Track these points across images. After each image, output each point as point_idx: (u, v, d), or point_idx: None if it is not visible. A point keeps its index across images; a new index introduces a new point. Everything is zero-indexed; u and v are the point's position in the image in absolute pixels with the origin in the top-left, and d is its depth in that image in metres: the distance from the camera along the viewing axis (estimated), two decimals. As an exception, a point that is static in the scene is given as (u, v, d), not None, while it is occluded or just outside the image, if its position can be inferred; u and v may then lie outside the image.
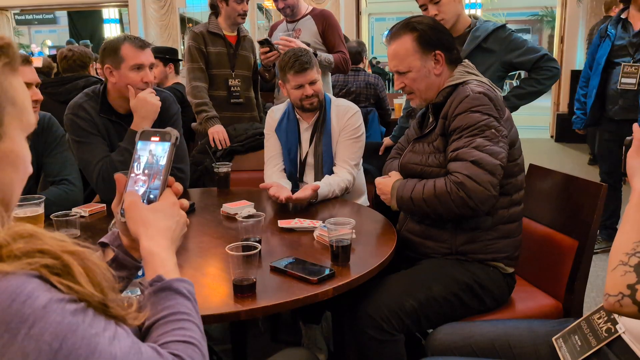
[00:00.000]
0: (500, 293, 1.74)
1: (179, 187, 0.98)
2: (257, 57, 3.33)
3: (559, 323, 1.45)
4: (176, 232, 0.93)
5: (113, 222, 1.17)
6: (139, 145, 0.98)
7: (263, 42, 3.05)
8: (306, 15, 3.21)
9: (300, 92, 2.32)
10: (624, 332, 1.25)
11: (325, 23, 3.15)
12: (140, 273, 1.03)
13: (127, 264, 0.97)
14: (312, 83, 2.31)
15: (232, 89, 3.13)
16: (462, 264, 1.72)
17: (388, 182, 1.84)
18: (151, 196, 0.94)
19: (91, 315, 0.63)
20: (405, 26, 1.77)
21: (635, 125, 1.21)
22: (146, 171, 0.96)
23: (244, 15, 3.15)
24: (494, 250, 1.73)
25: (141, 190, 0.95)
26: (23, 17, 15.93)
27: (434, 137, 1.75)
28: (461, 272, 1.70)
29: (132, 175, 0.96)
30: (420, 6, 2.47)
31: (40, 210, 1.67)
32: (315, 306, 2.14)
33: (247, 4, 3.15)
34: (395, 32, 1.78)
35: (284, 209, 2.08)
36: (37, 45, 15.44)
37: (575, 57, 8.46)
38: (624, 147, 1.22)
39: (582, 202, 1.76)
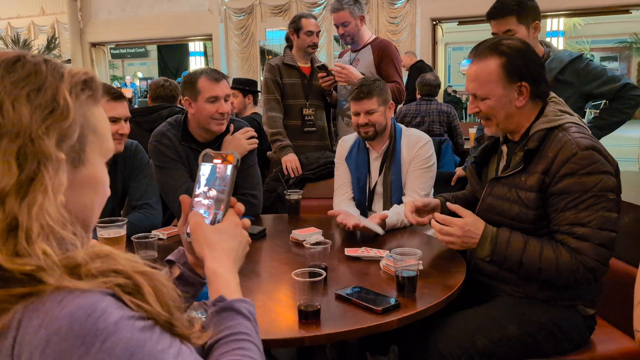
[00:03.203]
0: (579, 336, 1.65)
1: (241, 207, 1.00)
2: None
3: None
4: (239, 253, 0.96)
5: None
6: (202, 166, 1.01)
7: (320, 67, 3.16)
8: (367, 45, 3.25)
9: (356, 119, 2.37)
10: None
11: (382, 53, 3.18)
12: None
13: (193, 281, 1.01)
14: (369, 113, 2.33)
15: (305, 118, 3.21)
16: (539, 304, 1.64)
17: (477, 225, 1.65)
18: (215, 217, 0.97)
19: (158, 333, 0.67)
20: (494, 48, 1.62)
21: None
22: (210, 192, 0.99)
23: (314, 46, 3.26)
24: (575, 297, 1.64)
25: (205, 211, 0.98)
26: (118, 51, 17.12)
27: (520, 184, 1.62)
28: (538, 313, 1.61)
29: (196, 196, 0.99)
30: (493, 34, 2.40)
31: (122, 232, 1.78)
32: (382, 337, 2.11)
33: (318, 36, 3.26)
34: (481, 52, 1.64)
35: (352, 237, 2.09)
36: (130, 76, 16.52)
37: (668, 85, 7.97)
38: None
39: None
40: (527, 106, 1.66)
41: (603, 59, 16.83)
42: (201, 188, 1.00)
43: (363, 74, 3.06)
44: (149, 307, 0.67)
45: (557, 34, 10.82)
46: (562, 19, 10.83)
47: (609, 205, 1.52)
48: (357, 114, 2.36)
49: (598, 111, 2.56)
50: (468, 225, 1.64)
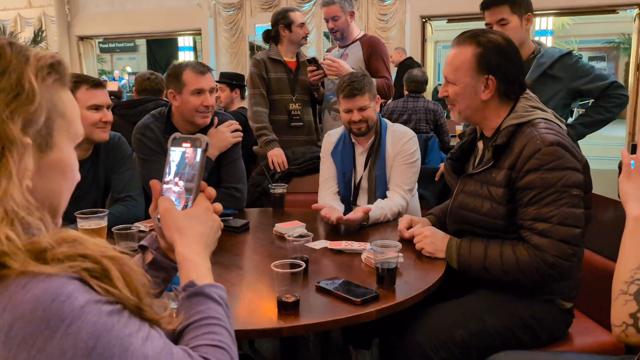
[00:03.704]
0: (557, 329, 1.67)
1: (211, 191, 1.00)
2: None
3: (621, 358, 1.37)
4: (210, 238, 0.96)
5: None
6: (171, 151, 1.00)
7: (310, 61, 3.16)
8: (356, 41, 3.27)
9: (348, 116, 2.36)
10: None
11: (371, 49, 3.20)
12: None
13: (166, 266, 1.01)
14: (362, 109, 2.34)
15: (292, 112, 3.21)
16: (518, 297, 1.66)
17: (442, 237, 1.74)
18: (186, 202, 0.97)
19: (126, 317, 0.67)
20: (473, 37, 1.66)
21: (623, 150, 1.20)
22: (179, 177, 0.98)
23: (306, 37, 3.29)
24: (553, 291, 1.66)
25: (175, 196, 0.98)
26: (106, 46, 16.99)
27: (491, 180, 1.64)
28: (517, 306, 1.63)
29: (166, 180, 0.99)
30: (486, 24, 2.45)
31: (103, 223, 1.77)
32: (365, 331, 2.13)
33: (307, 27, 3.30)
34: (462, 39, 1.68)
35: (335, 230, 2.10)
36: (119, 71, 16.41)
37: (653, 85, 8.06)
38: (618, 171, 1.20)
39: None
40: (494, 101, 1.67)
41: (591, 58, 16.94)
42: (171, 173, 0.99)
43: (353, 68, 3.07)
44: (117, 291, 0.67)
45: (545, 33, 10.87)
46: (551, 18, 10.88)
47: (573, 201, 1.53)
48: (350, 111, 2.36)
49: (584, 110, 2.59)
50: (435, 232, 1.77)
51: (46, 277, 0.63)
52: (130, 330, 0.66)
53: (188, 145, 1.00)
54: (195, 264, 0.90)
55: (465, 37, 1.68)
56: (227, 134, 2.42)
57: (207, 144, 0.99)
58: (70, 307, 0.62)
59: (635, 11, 8.07)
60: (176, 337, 0.81)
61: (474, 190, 1.69)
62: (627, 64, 12.76)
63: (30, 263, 0.64)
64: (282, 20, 3.21)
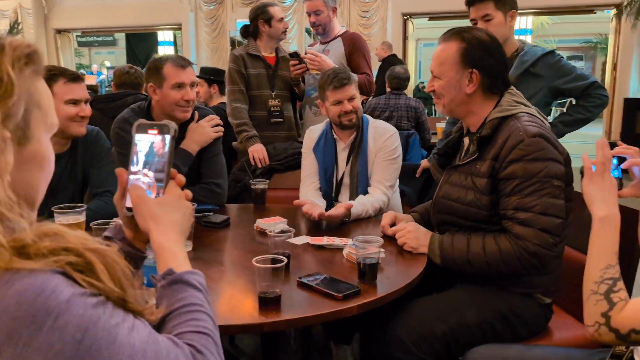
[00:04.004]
0: (536, 323, 1.69)
1: (181, 178, 0.99)
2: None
3: (598, 352, 1.40)
4: (184, 225, 0.95)
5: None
6: (137, 138, 0.98)
7: (292, 55, 3.14)
8: (337, 37, 3.27)
9: (338, 108, 2.35)
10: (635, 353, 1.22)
11: (352, 45, 3.20)
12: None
13: (132, 256, 0.99)
14: (351, 99, 2.34)
15: (272, 108, 3.20)
16: (498, 291, 1.68)
17: (424, 232, 1.76)
18: (157, 190, 0.95)
19: (111, 308, 0.67)
20: (457, 33, 1.71)
21: (584, 155, 1.26)
22: (148, 165, 0.96)
23: (285, 32, 3.27)
24: (533, 285, 1.67)
25: (145, 186, 0.96)
26: (84, 39, 16.70)
27: (475, 171, 1.67)
28: (496, 300, 1.65)
29: (133, 169, 0.97)
30: (471, 20, 2.47)
31: (81, 218, 1.74)
32: (346, 326, 2.13)
33: (286, 22, 3.29)
34: (448, 35, 1.73)
35: (317, 226, 2.10)
36: (97, 65, 16.16)
37: (629, 84, 8.21)
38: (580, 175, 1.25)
39: (622, 230, 1.70)
40: (478, 96, 1.70)
41: (569, 58, 17.13)
42: (139, 162, 0.97)
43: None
44: (102, 284, 0.67)
45: (525, 32, 10.98)
46: (530, 17, 11.00)
47: (555, 192, 1.56)
48: (340, 102, 2.35)
49: (564, 109, 2.63)
50: (418, 227, 1.79)
51: (30, 273, 0.62)
52: (115, 321, 0.66)
53: (155, 132, 0.97)
54: (173, 252, 0.89)
55: (451, 34, 1.72)
56: (207, 129, 2.39)
57: (175, 131, 0.97)
58: (56, 300, 0.62)
59: (612, 12, 8.21)
60: (158, 325, 0.80)
61: (458, 181, 1.72)
62: (604, 64, 12.99)
63: (14, 260, 0.63)
64: (262, 15, 3.18)
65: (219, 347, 0.79)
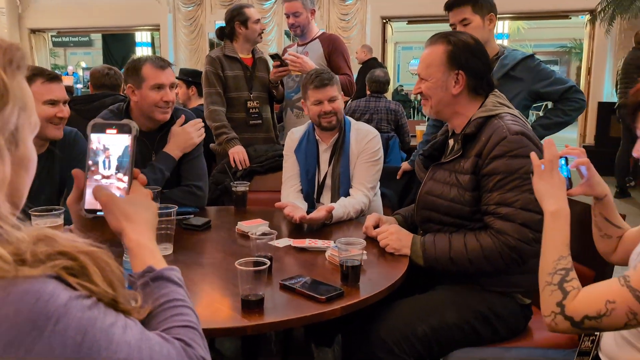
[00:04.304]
0: (515, 324, 1.72)
1: (144, 178, 0.99)
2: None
3: (573, 352, 1.42)
4: (154, 223, 0.96)
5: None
6: (93, 137, 0.95)
7: (274, 57, 3.12)
8: (315, 38, 3.27)
9: (319, 108, 2.35)
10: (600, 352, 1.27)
11: (331, 46, 3.20)
12: None
13: None
14: (332, 100, 2.35)
15: (250, 110, 3.18)
16: (478, 292, 1.70)
17: (404, 236, 1.77)
18: (122, 191, 0.95)
19: (103, 309, 0.68)
20: (444, 36, 1.76)
21: (532, 154, 1.33)
22: (109, 165, 0.95)
23: (262, 33, 3.25)
24: (512, 284, 1.70)
25: (108, 185, 0.94)
26: (59, 39, 16.43)
27: (459, 169, 1.70)
28: (477, 300, 1.67)
29: (93, 169, 0.95)
30: (450, 25, 2.50)
31: (59, 221, 1.71)
32: (327, 328, 2.13)
33: (263, 23, 3.26)
34: (434, 39, 1.79)
35: (299, 228, 2.09)
36: (73, 66, 15.92)
37: (603, 89, 8.39)
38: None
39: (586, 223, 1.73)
40: (464, 97, 1.74)
41: (544, 62, 17.45)
42: (97, 161, 0.95)
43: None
44: (95, 286, 0.67)
45: (502, 36, 11.14)
46: (507, 22, 11.17)
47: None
48: (320, 102, 2.35)
49: (539, 112, 2.68)
50: (400, 229, 1.80)
51: (25, 279, 0.63)
52: (110, 321, 0.67)
53: (114, 131, 0.95)
54: (151, 250, 0.90)
55: (437, 37, 1.78)
56: (193, 134, 2.36)
57: (137, 130, 0.96)
58: (55, 305, 0.62)
59: (586, 17, 8.37)
60: (144, 321, 0.80)
61: (442, 178, 1.75)
62: (579, 68, 13.24)
63: (17, 269, 0.63)
64: (238, 17, 3.16)
65: (204, 339, 0.81)
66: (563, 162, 1.38)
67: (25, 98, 0.73)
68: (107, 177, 0.95)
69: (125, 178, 0.95)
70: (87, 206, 0.94)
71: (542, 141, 2.46)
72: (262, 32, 3.26)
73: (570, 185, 1.37)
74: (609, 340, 1.29)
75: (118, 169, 0.95)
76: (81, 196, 0.95)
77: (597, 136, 7.74)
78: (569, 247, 1.23)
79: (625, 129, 6.10)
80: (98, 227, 0.95)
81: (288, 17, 3.26)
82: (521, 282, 1.69)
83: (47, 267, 0.64)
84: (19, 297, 0.61)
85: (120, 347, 0.66)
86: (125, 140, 0.95)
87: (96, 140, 0.95)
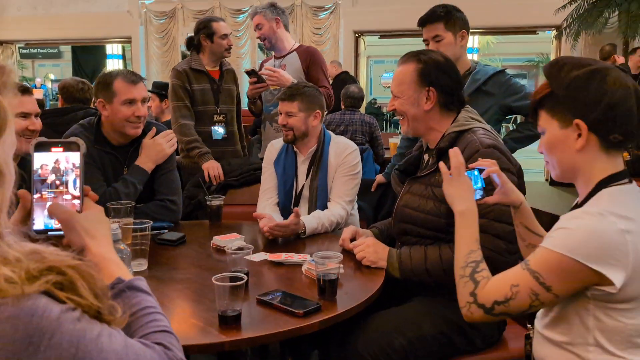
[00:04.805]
0: (490, 334, 1.73)
1: (94, 195, 1.01)
2: (240, 88, 3.42)
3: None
4: (111, 237, 0.98)
5: None
6: (37, 156, 0.95)
7: (250, 73, 3.11)
8: (292, 51, 3.27)
9: (279, 118, 2.41)
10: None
11: (309, 58, 3.20)
12: None
13: None
14: (289, 115, 2.37)
15: (217, 124, 3.17)
16: (454, 303, 1.71)
17: (381, 249, 1.79)
18: (74, 207, 0.95)
19: (89, 320, 0.71)
20: (415, 55, 1.82)
21: (440, 163, 1.47)
22: (58, 183, 0.95)
23: (229, 49, 3.21)
24: None
25: (61, 202, 0.95)
26: (27, 51, 16.13)
27: (434, 182, 1.73)
28: (451, 311, 1.68)
29: (39, 189, 0.94)
30: (424, 40, 2.54)
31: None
32: (304, 342, 2.12)
33: (230, 37, 3.22)
34: (406, 58, 1.84)
35: (275, 243, 2.09)
36: (41, 78, 15.63)
37: (569, 102, 8.58)
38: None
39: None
40: (436, 112, 1.79)
41: (513, 76, 17.83)
42: (43, 179, 0.95)
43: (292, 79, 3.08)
44: (82, 299, 0.70)
45: (472, 50, 11.37)
46: (476, 37, 11.41)
47: None
48: (281, 114, 2.41)
49: (509, 125, 2.75)
50: (377, 242, 1.82)
51: (18, 296, 0.65)
52: (97, 331, 0.71)
53: (60, 149, 0.95)
54: (116, 263, 0.92)
55: (409, 56, 1.83)
56: (164, 145, 2.33)
57: (84, 147, 0.97)
58: (48, 320, 0.65)
59: (553, 33, 8.59)
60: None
61: (418, 191, 1.78)
62: (546, 82, 13.51)
63: (23, 288, 0.66)
64: (204, 30, 3.14)
65: (179, 341, 0.85)
66: (477, 172, 1.49)
67: (7, 114, 0.75)
68: (58, 195, 0.95)
69: (77, 195, 0.95)
70: (36, 227, 0.93)
71: (513, 154, 2.55)
72: (230, 48, 3.22)
73: (484, 194, 1.49)
74: (536, 344, 1.34)
75: (67, 186, 0.95)
76: (27, 217, 0.94)
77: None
78: (478, 242, 1.35)
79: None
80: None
81: (256, 30, 3.28)
82: None
83: (41, 283, 0.67)
84: (14, 314, 0.64)
85: (110, 356, 0.70)
86: (73, 157, 0.96)
87: (41, 159, 0.95)
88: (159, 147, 2.31)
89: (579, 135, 1.20)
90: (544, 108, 1.27)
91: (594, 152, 1.21)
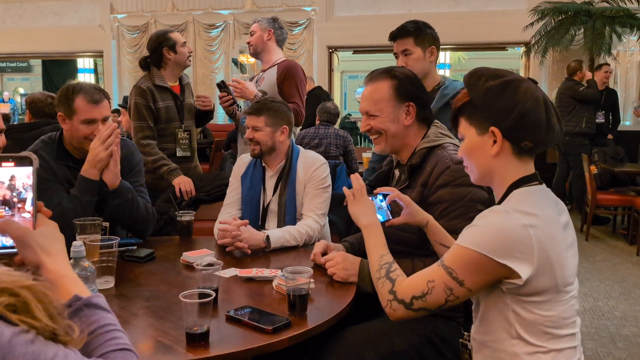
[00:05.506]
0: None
1: (48, 211, 0.99)
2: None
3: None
4: (66, 253, 0.96)
5: None
6: None
7: (220, 86, 3.13)
8: (274, 65, 3.27)
9: (246, 132, 2.41)
10: None
11: (285, 73, 3.18)
12: None
13: None
14: (255, 129, 2.36)
15: (180, 141, 3.15)
16: (425, 317, 1.71)
17: (352, 261, 1.78)
18: (27, 224, 0.93)
19: (43, 342, 0.69)
20: (387, 72, 1.80)
21: (344, 188, 1.60)
22: (9, 198, 0.93)
23: (190, 56, 3.22)
24: (455, 309, 1.71)
25: (19, 220, 0.93)
26: (-4, 65, 15.88)
27: None
28: (423, 325, 1.69)
29: None
30: (394, 54, 2.56)
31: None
32: (275, 357, 2.09)
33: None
34: (375, 76, 1.82)
35: (245, 258, 2.07)
36: (9, 92, 15.32)
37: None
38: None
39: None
40: (414, 127, 1.80)
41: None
42: (4, 196, 0.93)
43: (264, 91, 3.07)
44: (36, 321, 0.68)
45: (444, 66, 11.53)
46: (448, 53, 11.59)
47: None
48: (248, 128, 2.40)
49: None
50: (346, 257, 1.80)
51: None
52: (52, 353, 0.69)
53: (11, 164, 0.93)
54: (73, 279, 0.90)
55: (379, 73, 1.82)
56: (99, 150, 2.08)
57: (37, 161, 0.95)
58: (0, 343, 0.63)
59: (522, 49, 8.78)
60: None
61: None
62: (516, 97, 13.79)
63: None
64: (165, 43, 3.11)
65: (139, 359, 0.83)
66: (381, 197, 1.64)
67: None
68: (10, 210, 0.93)
69: (30, 211, 0.93)
70: (13, 240, 0.91)
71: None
72: (191, 54, 3.23)
73: (390, 215, 1.63)
74: (474, 353, 1.37)
75: (20, 202, 0.93)
76: None
77: (535, 162, 8.06)
78: (386, 247, 1.46)
79: (560, 155, 6.46)
80: None
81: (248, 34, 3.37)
82: (462, 307, 1.72)
83: None
84: None
85: None
86: (27, 172, 0.93)
87: None
88: (94, 152, 2.10)
89: (495, 141, 1.28)
90: (463, 115, 1.33)
91: (507, 157, 1.29)
